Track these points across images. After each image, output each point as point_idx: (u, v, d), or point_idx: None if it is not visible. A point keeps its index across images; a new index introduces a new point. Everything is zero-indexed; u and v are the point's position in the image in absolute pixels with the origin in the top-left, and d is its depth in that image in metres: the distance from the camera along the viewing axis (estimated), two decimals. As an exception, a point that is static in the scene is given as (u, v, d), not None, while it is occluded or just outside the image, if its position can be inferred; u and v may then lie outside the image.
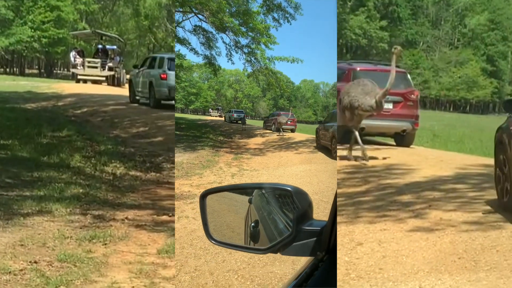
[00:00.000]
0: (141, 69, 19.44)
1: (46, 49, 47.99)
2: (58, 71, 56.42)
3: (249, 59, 24.91)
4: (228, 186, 2.75)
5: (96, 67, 29.53)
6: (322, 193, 9.55)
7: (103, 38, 32.93)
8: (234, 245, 2.05)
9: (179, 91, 64.61)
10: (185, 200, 9.64)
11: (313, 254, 1.67)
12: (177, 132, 22.43)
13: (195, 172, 13.13)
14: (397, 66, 12.16)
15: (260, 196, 2.16)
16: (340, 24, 57.49)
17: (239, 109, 51.14)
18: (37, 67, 57.36)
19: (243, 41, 24.60)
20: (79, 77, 29.84)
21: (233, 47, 24.83)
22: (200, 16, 23.09)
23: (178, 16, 26.91)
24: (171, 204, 7.23)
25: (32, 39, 45.82)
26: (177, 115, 54.12)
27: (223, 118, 48.68)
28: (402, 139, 11.67)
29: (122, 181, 8.30)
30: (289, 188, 1.80)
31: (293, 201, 1.76)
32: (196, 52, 28.70)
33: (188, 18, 25.32)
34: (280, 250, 1.72)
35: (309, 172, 12.94)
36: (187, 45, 26.88)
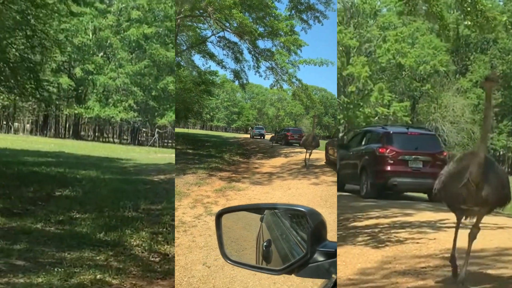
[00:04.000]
0: None
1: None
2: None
3: (269, 65, 22.81)
4: (243, 206, 2.85)
5: None
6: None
7: None
8: (249, 265, 2.13)
9: (222, 110, 70.73)
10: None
11: (328, 276, 1.73)
12: (190, 151, 22.01)
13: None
14: (426, 129, 15.37)
15: (272, 215, 2.32)
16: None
17: (259, 126, 53.12)
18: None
19: (262, 44, 22.96)
20: None
21: (252, 53, 23.08)
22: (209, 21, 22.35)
23: (209, 33, 27.32)
24: None
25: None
26: (217, 133, 58.76)
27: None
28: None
29: (165, 264, 7.15)
30: (302, 209, 1.87)
31: (307, 222, 1.82)
32: (223, 66, 28.82)
33: (216, 33, 24.64)
34: (294, 271, 1.79)
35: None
36: (219, 62, 26.37)
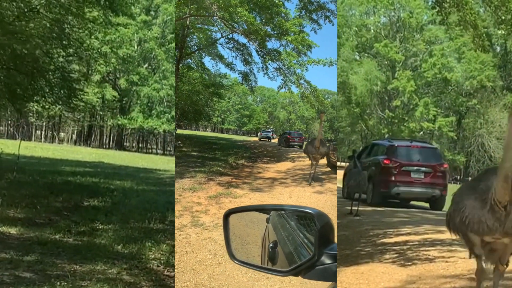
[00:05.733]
0: None
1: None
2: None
3: (277, 65, 22.30)
4: (251, 206, 3.15)
5: None
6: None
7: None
8: (256, 265, 2.19)
9: (233, 113, 71.46)
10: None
11: (335, 279, 1.77)
12: (194, 153, 21.55)
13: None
14: (428, 143, 16.35)
15: (278, 217, 2.35)
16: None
17: (267, 128, 53.86)
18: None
19: (270, 45, 22.63)
20: None
21: (260, 53, 22.66)
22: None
23: (219, 35, 27.27)
24: None
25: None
26: (226, 136, 59.05)
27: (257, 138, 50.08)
28: (434, 204, 14.02)
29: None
30: (310, 211, 1.89)
31: (314, 224, 1.83)
32: (232, 69, 28.52)
33: (226, 36, 24.40)
34: (301, 273, 1.81)
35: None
36: (228, 64, 26.36)
